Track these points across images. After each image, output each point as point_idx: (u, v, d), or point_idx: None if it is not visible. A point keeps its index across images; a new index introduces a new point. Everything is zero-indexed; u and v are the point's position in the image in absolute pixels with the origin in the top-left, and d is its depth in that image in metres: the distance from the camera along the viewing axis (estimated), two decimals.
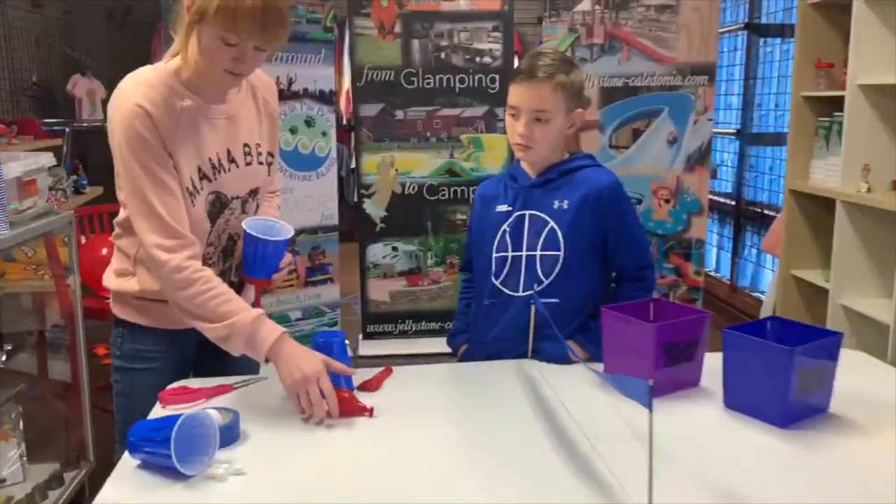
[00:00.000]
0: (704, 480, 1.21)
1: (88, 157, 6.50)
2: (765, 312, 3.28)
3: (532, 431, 1.37)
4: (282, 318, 3.81)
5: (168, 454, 1.17)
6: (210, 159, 1.51)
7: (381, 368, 1.65)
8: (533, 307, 1.69)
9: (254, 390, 1.57)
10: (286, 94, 3.67)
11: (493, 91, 3.98)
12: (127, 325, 1.63)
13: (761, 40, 4.21)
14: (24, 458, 2.48)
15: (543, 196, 1.76)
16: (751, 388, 1.42)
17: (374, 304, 4.12)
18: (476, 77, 3.96)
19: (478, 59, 3.96)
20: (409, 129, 3.98)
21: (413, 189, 4.01)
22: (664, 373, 1.52)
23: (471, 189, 4.04)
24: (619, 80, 3.69)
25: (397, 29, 3.90)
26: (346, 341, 1.60)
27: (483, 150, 4.04)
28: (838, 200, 2.64)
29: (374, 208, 4.03)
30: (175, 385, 1.54)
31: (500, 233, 1.79)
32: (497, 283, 1.79)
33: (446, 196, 4.04)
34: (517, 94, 1.70)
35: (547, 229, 1.74)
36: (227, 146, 1.54)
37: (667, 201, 3.69)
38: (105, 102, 6.22)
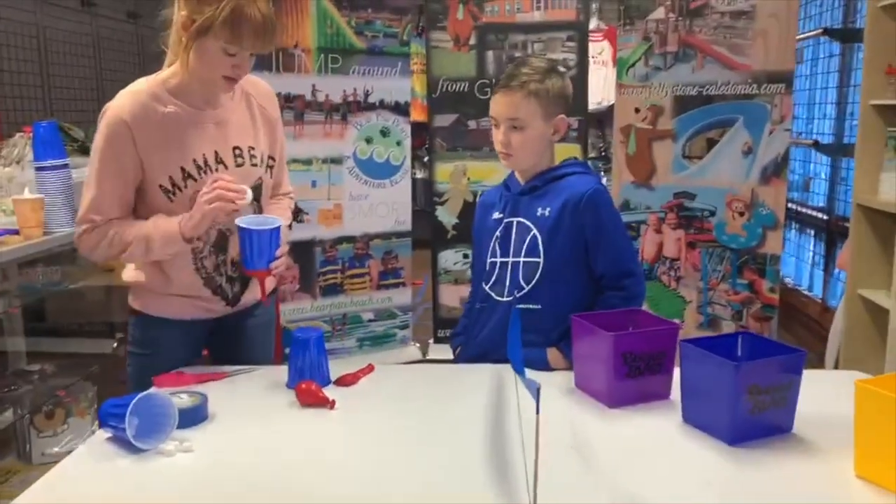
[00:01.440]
0: (615, 488, 1.21)
1: None
2: (833, 334, 3.10)
3: (475, 433, 1.41)
4: (355, 319, 3.98)
5: (124, 428, 1.31)
6: (195, 160, 1.65)
7: (364, 366, 1.74)
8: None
9: (244, 380, 1.70)
10: (362, 106, 3.84)
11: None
12: (138, 315, 1.80)
13: (857, 46, 3.95)
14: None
15: (529, 203, 1.80)
16: (703, 402, 1.40)
17: (445, 309, 4.20)
18: None
19: None
20: (481, 138, 4.04)
21: None
22: (624, 383, 1.51)
23: None
24: (693, 88, 3.59)
25: (472, 41, 3.98)
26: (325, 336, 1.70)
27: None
28: None
29: (447, 215, 4.11)
30: (173, 371, 1.70)
31: (493, 239, 1.85)
32: (486, 287, 1.84)
33: None
34: (494, 104, 1.76)
35: (530, 236, 1.78)
36: (215, 149, 1.67)
37: (741, 214, 3.55)
38: None
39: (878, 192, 2.74)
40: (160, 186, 1.64)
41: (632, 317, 1.66)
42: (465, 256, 4.14)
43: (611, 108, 3.91)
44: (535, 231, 1.77)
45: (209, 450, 1.35)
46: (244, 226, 1.68)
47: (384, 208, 3.95)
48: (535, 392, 1.09)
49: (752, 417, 1.35)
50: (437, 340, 4.23)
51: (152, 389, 1.48)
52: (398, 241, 4.02)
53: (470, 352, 1.87)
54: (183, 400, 1.45)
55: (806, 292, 4.57)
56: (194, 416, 1.44)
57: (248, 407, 1.54)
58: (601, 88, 6.47)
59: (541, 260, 1.75)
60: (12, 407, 2.74)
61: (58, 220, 2.29)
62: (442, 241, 4.13)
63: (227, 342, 1.87)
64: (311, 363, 1.62)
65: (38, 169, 2.28)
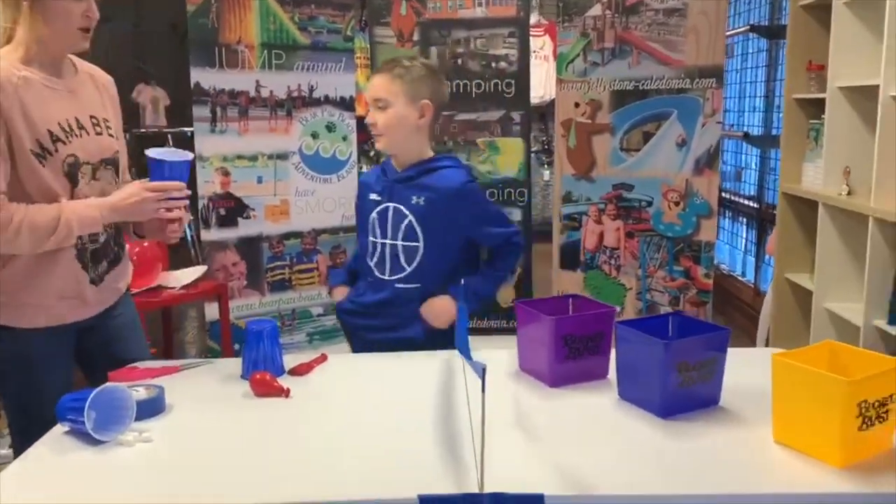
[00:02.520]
0: (557, 462, 1.30)
1: None
2: (763, 316, 3.26)
3: (425, 417, 1.48)
4: (304, 314, 4.01)
5: (82, 421, 1.34)
6: (59, 123, 1.62)
7: (318, 355, 1.80)
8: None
9: (198, 373, 1.74)
10: (307, 101, 3.87)
11: (509, 96, 4.07)
12: (5, 330, 1.66)
13: (782, 42, 4.15)
14: None
15: (404, 191, 1.94)
16: (637, 379, 1.50)
17: None
18: (492, 82, 4.06)
19: (494, 64, 4.06)
20: None
21: None
22: (565, 364, 1.61)
23: (487, 191, 4.14)
24: (630, 83, 3.72)
25: (415, 37, 4.04)
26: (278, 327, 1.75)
27: (499, 154, 4.13)
28: (820, 203, 2.63)
29: None
30: (126, 366, 1.73)
31: (371, 220, 1.99)
32: (371, 264, 2.00)
33: None
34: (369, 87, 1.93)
35: (405, 222, 1.92)
36: (75, 115, 1.66)
37: (676, 203, 3.70)
38: (168, 110, 6.65)
39: (801, 181, 2.90)
40: (31, 151, 1.59)
41: (571, 302, 1.76)
42: None
43: (552, 103, 4.01)
44: (410, 218, 1.91)
45: (168, 440, 1.39)
46: (157, 157, 1.67)
47: (331, 203, 3.99)
48: (481, 372, 1.17)
49: (681, 391, 1.45)
50: None
51: (109, 383, 1.51)
52: (345, 235, 4.06)
53: (357, 319, 2.02)
54: (140, 392, 1.49)
55: (740, 278, 4.78)
56: (152, 408, 1.48)
57: (203, 398, 1.58)
58: (542, 83, 6.60)
59: (420, 245, 1.91)
60: None
61: None
62: None
63: (98, 349, 1.82)
64: (264, 354, 1.67)
65: None
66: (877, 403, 1.26)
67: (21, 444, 1.51)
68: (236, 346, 3.74)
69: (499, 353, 1.79)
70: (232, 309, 3.69)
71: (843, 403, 1.23)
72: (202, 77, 3.61)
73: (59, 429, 1.43)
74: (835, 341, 1.42)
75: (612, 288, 3.93)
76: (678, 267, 3.73)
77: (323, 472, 1.28)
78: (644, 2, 3.63)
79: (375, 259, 1.98)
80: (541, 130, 7.17)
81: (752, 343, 3.58)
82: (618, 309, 1.73)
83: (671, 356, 1.42)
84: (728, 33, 3.82)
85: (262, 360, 1.67)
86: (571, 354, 1.61)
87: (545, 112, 7.13)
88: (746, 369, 1.57)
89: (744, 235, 4.85)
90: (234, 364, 1.75)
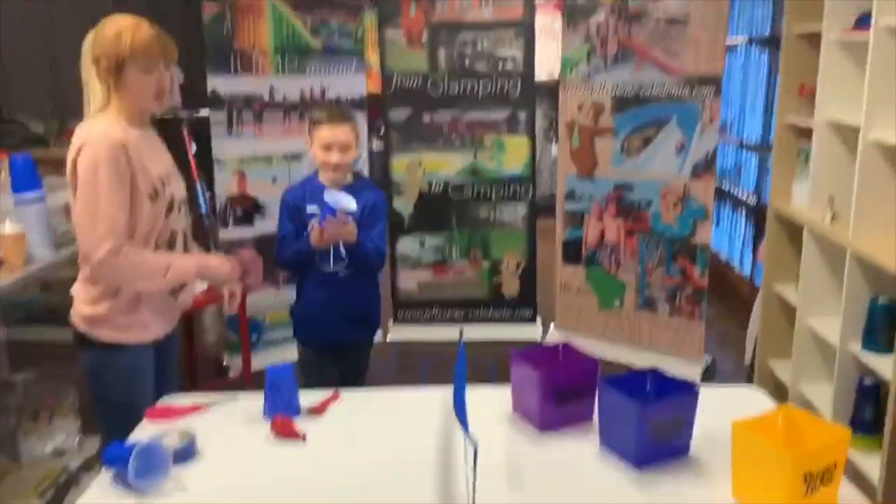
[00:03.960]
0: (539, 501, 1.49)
1: (167, 139, 7.06)
2: (752, 323, 3.43)
3: (424, 460, 1.68)
4: None
5: (125, 472, 1.54)
6: (161, 170, 2.01)
7: (331, 393, 1.99)
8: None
9: (225, 412, 1.93)
10: (320, 102, 4.00)
11: (515, 95, 4.19)
12: (113, 348, 2.03)
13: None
14: (80, 434, 2.98)
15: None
16: (616, 431, 1.68)
17: (403, 293, 4.46)
18: (498, 82, 4.18)
19: (500, 65, 4.16)
20: (435, 131, 4.25)
21: (439, 188, 4.30)
22: (553, 410, 1.79)
23: (493, 187, 4.30)
24: (632, 88, 3.83)
25: (424, 38, 4.15)
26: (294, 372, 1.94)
27: (505, 152, 4.27)
28: (805, 228, 2.77)
29: (403, 205, 4.34)
30: (160, 404, 1.93)
31: (311, 226, 2.47)
32: (316, 260, 2.55)
33: (470, 194, 4.31)
34: (331, 132, 2.48)
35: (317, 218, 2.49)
36: (164, 163, 2.06)
37: (674, 206, 3.84)
38: (182, 88, 6.73)
39: (790, 200, 3.03)
40: (148, 196, 1.94)
41: (560, 351, 1.94)
42: (422, 243, 4.39)
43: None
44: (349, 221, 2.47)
45: (200, 487, 1.59)
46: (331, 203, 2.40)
47: None
48: (474, 451, 1.35)
49: (654, 444, 1.63)
50: (397, 321, 4.50)
51: (148, 441, 1.69)
52: None
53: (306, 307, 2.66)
54: (173, 440, 1.68)
55: (737, 269, 4.93)
56: (185, 454, 1.67)
57: (230, 442, 1.78)
58: (552, 61, 6.65)
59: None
60: (1, 415, 2.94)
61: (38, 250, 2.47)
62: (400, 229, 4.37)
63: (160, 362, 2.15)
64: (283, 398, 1.86)
65: (17, 203, 2.44)
66: (821, 472, 1.44)
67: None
68: (253, 338, 3.96)
69: (495, 395, 1.97)
70: (249, 302, 3.89)
71: (791, 473, 1.41)
72: (218, 83, 3.75)
73: (106, 476, 1.63)
74: (791, 407, 1.59)
75: (611, 283, 4.11)
76: (675, 266, 3.89)
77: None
78: (647, 10, 3.72)
79: (318, 256, 2.54)
80: (549, 107, 7.24)
81: (742, 344, 3.75)
82: (599, 361, 1.90)
83: (646, 415, 1.60)
84: (728, 42, 3.90)
85: (280, 402, 1.86)
86: (559, 402, 1.79)
87: (553, 88, 7.19)
88: (718, 409, 1.70)
89: (741, 229, 4.98)
90: (255, 400, 1.93)
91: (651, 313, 3.99)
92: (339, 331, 2.61)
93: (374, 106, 5.06)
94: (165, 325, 2.13)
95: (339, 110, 2.81)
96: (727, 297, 4.93)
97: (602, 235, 4.11)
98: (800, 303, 2.85)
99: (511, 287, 4.42)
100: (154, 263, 1.98)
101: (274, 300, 4.09)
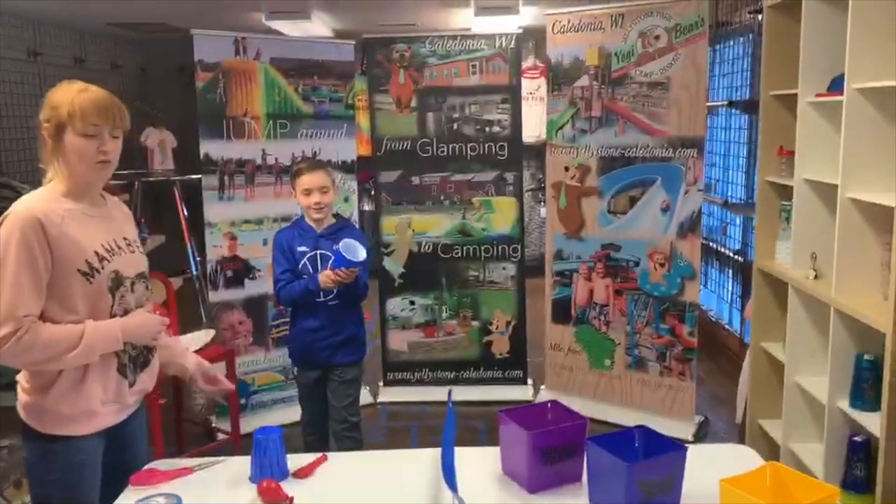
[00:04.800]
0: None
1: (161, 202, 7.13)
2: (741, 385, 3.43)
3: None
4: None
5: None
6: (102, 245, 1.84)
7: (318, 455, 1.98)
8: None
9: (210, 475, 1.91)
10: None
11: (502, 158, 4.26)
12: (59, 440, 1.82)
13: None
14: None
15: (325, 242, 2.92)
16: (605, 490, 1.67)
17: (393, 354, 4.45)
18: (486, 145, 4.26)
19: (487, 128, 4.25)
20: (424, 193, 4.31)
21: (428, 248, 4.34)
22: (542, 470, 1.78)
23: (482, 247, 4.34)
24: (617, 150, 3.91)
25: (413, 103, 4.24)
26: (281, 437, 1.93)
27: (493, 212, 4.32)
28: (790, 285, 2.80)
29: (393, 265, 4.37)
30: (145, 468, 1.91)
31: (302, 264, 2.92)
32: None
33: (459, 254, 4.34)
34: (309, 178, 2.89)
35: (330, 261, 2.82)
36: (113, 237, 1.89)
37: (661, 265, 3.88)
38: (175, 152, 6.84)
39: (774, 258, 3.07)
40: (78, 271, 1.78)
41: (549, 408, 1.94)
42: (412, 303, 4.40)
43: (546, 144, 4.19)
44: (332, 258, 2.80)
45: None
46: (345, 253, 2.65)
47: None
48: (453, 478, 1.35)
49: (644, 503, 1.63)
50: (387, 383, 4.48)
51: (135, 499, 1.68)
52: None
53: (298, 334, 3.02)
54: (158, 503, 1.67)
55: (726, 326, 4.95)
56: None
57: None
58: (538, 124, 6.79)
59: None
60: None
61: None
62: (390, 289, 4.38)
63: (111, 454, 1.94)
64: (270, 461, 1.85)
65: None
66: None
67: None
68: (242, 401, 3.92)
69: (484, 455, 1.96)
70: (238, 364, 3.87)
71: None
72: (211, 148, 3.81)
73: None
74: (778, 464, 1.60)
75: (601, 342, 4.12)
76: (664, 325, 3.91)
77: None
78: (629, 74, 3.83)
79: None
80: (537, 168, 7.36)
81: (733, 399, 3.75)
82: (588, 421, 1.90)
83: (634, 475, 1.60)
84: (709, 105, 4.01)
85: (268, 465, 1.84)
86: (548, 462, 1.78)
87: (540, 151, 7.33)
88: (708, 468, 1.71)
89: (729, 287, 5.02)
90: (242, 464, 1.92)
91: (642, 373, 3.99)
92: (328, 354, 2.96)
93: (365, 168, 5.16)
94: (117, 411, 1.90)
95: (315, 160, 3.19)
96: (717, 354, 4.94)
97: (591, 294, 4.13)
98: (787, 360, 2.86)
99: (501, 347, 4.42)
100: (63, 336, 1.75)
101: (263, 362, 4.07)
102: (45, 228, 1.75)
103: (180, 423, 3.79)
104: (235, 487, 1.84)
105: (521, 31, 4.25)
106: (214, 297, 3.93)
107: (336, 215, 3.05)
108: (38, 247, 1.74)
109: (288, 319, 4.13)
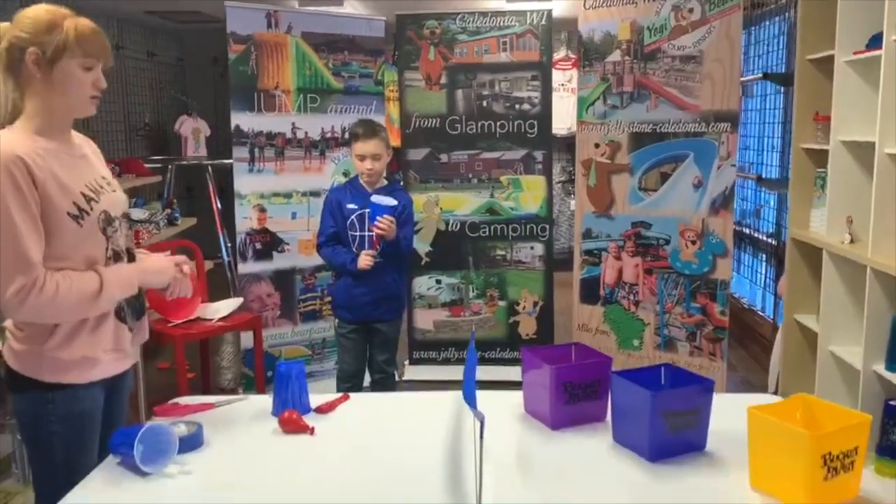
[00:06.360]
0: (551, 499, 1.45)
1: (194, 188, 7.24)
2: (774, 358, 3.36)
3: (435, 453, 1.64)
4: (333, 343, 4.17)
5: (132, 455, 1.52)
6: (87, 185, 1.70)
7: (340, 395, 1.97)
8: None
9: (232, 409, 1.91)
10: (340, 142, 4.08)
11: (532, 136, 4.24)
12: (62, 388, 1.70)
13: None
14: None
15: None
16: (629, 425, 1.64)
17: (419, 332, 4.44)
18: (515, 123, 4.24)
19: (517, 106, 4.23)
20: (452, 171, 4.30)
21: (456, 226, 4.32)
22: (566, 408, 1.75)
23: (510, 227, 4.31)
24: (648, 126, 3.86)
25: (443, 80, 4.24)
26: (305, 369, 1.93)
27: (522, 190, 4.30)
28: (824, 250, 2.74)
29: (421, 243, 4.35)
30: (169, 402, 1.91)
31: (350, 221, 3.11)
32: (353, 248, 3.10)
33: (487, 233, 4.32)
34: (363, 145, 3.06)
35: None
36: (93, 177, 1.75)
37: (693, 243, 3.81)
38: (209, 140, 6.93)
39: (809, 227, 3.01)
40: (68, 214, 1.64)
41: (573, 349, 1.91)
42: (438, 282, 4.39)
43: None
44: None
45: (205, 472, 1.57)
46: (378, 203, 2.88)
47: None
48: (481, 423, 1.33)
49: (668, 437, 1.59)
50: (413, 362, 4.46)
51: (155, 421, 1.69)
52: None
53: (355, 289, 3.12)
54: (181, 429, 1.67)
55: (759, 312, 4.86)
56: (192, 443, 1.66)
57: (237, 434, 1.76)
58: (571, 115, 6.76)
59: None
60: (11, 434, 2.93)
61: None
62: (416, 267, 4.37)
63: (108, 410, 1.84)
64: (293, 394, 1.84)
65: None
66: (841, 455, 1.39)
67: (51, 499, 1.51)
68: (269, 373, 3.94)
69: (507, 396, 1.94)
70: (266, 338, 3.89)
71: (809, 455, 1.36)
72: (242, 120, 3.84)
73: (112, 460, 1.61)
74: (808, 395, 1.55)
75: (630, 322, 4.06)
76: (695, 304, 3.84)
77: (344, 493, 1.46)
78: (661, 48, 3.78)
79: (356, 245, 3.09)
80: (568, 161, 7.31)
81: (766, 378, 3.67)
82: (612, 358, 1.87)
83: (659, 405, 1.56)
84: (743, 79, 3.95)
85: (290, 399, 1.84)
86: (571, 400, 1.75)
87: (572, 143, 7.28)
88: (739, 415, 1.68)
89: (762, 271, 4.92)
90: (265, 401, 1.92)
91: (671, 353, 3.92)
92: (369, 309, 3.12)
93: (397, 160, 5.15)
94: (118, 359, 1.79)
95: (371, 126, 3.15)
96: (750, 342, 4.84)
97: (620, 274, 4.08)
98: (821, 329, 2.79)
99: (528, 327, 4.39)
100: (82, 288, 1.63)
101: (290, 336, 4.09)
102: (30, 169, 1.58)
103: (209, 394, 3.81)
104: (257, 420, 1.84)
105: (552, 6, 4.23)
106: (243, 268, 3.96)
107: (390, 179, 3.25)
108: (27, 190, 1.58)
109: (317, 293, 4.19)
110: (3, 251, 1.56)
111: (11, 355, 1.71)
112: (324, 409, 1.88)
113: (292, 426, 1.75)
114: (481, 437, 1.32)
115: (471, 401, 1.46)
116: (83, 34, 1.66)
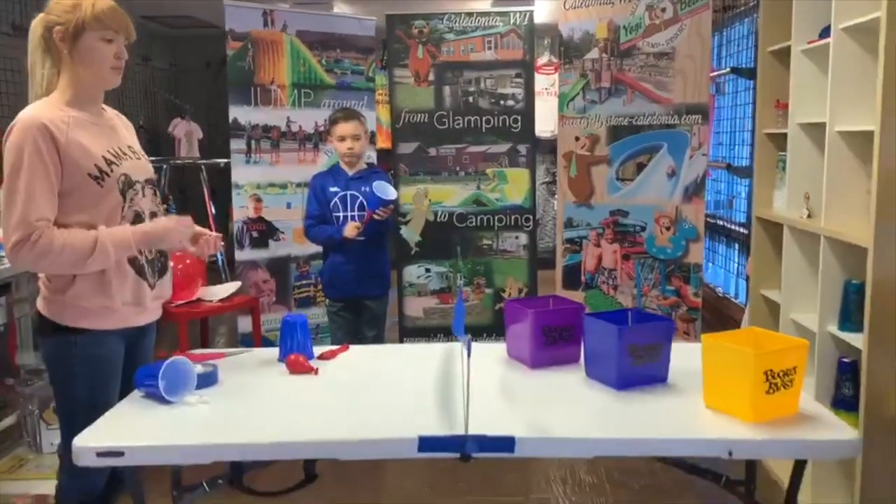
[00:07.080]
0: (529, 418, 1.65)
1: (187, 188, 7.42)
2: (743, 325, 3.57)
3: (427, 386, 1.84)
4: (327, 328, 4.36)
5: (156, 385, 1.71)
6: (109, 150, 1.89)
7: (341, 346, 2.16)
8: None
9: (242, 358, 2.10)
10: None
11: (516, 130, 4.46)
12: (83, 333, 1.87)
13: None
14: None
15: (356, 184, 3.31)
16: (599, 359, 1.85)
17: (409, 320, 4.62)
18: (500, 118, 4.45)
19: (502, 102, 4.45)
20: (440, 164, 4.50)
21: (444, 217, 4.52)
22: (543, 350, 1.96)
23: (496, 217, 4.52)
24: (624, 119, 4.09)
25: (431, 77, 4.46)
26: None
27: (507, 183, 4.51)
28: (784, 225, 2.96)
29: (410, 234, 4.55)
30: (183, 354, 2.10)
31: (333, 203, 3.33)
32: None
33: (474, 223, 4.52)
34: (342, 128, 3.29)
35: (357, 202, 3.31)
36: (118, 144, 1.94)
37: (667, 229, 4.04)
38: (202, 143, 7.12)
39: (772, 206, 3.23)
40: (89, 175, 1.82)
41: (551, 301, 2.12)
42: (427, 271, 4.58)
43: None
44: (360, 199, 3.29)
45: (222, 401, 1.76)
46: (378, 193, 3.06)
47: None
48: (468, 342, 1.53)
49: (633, 369, 1.79)
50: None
51: (175, 357, 1.87)
52: None
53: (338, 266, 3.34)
54: (198, 368, 1.85)
55: (733, 300, 5.08)
56: (208, 380, 1.84)
57: (248, 374, 1.95)
58: (553, 118, 7.00)
59: (365, 214, 3.21)
60: (23, 403, 3.10)
61: None
62: (406, 257, 4.57)
63: (129, 365, 1.97)
64: (297, 342, 2.04)
65: None
66: (781, 373, 1.60)
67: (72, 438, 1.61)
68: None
69: (492, 346, 2.14)
70: (262, 322, 4.07)
71: (753, 371, 1.57)
72: (239, 113, 4.04)
73: (137, 394, 1.80)
74: (758, 328, 1.76)
75: (609, 306, 4.26)
76: (670, 286, 4.06)
77: (346, 420, 1.64)
78: (637, 46, 4.02)
79: (339, 224, 3.27)
80: (552, 163, 7.54)
81: None
82: (586, 306, 2.07)
83: (624, 339, 1.77)
84: (713, 74, 4.18)
85: (296, 346, 2.03)
86: (548, 341, 1.96)
87: (555, 145, 7.51)
88: (695, 358, 1.89)
89: (735, 259, 5.16)
90: (272, 352, 2.11)
91: None
92: (354, 286, 3.30)
93: (385, 159, 5.36)
94: (138, 313, 1.95)
95: (350, 110, 3.43)
96: (725, 326, 5.06)
97: (599, 260, 4.30)
98: (782, 299, 3.01)
99: None
100: (75, 246, 1.78)
101: None
102: (52, 135, 1.78)
103: None
104: (265, 366, 2.03)
105: (533, 8, 4.46)
106: (240, 255, 4.14)
107: (368, 163, 3.45)
108: (47, 153, 1.77)
109: (311, 280, 4.38)
110: (13, 208, 1.76)
111: (42, 302, 1.92)
112: (326, 357, 2.08)
113: (298, 367, 1.94)
114: (468, 356, 1.52)
115: (459, 328, 1.66)
116: (101, 10, 1.85)
